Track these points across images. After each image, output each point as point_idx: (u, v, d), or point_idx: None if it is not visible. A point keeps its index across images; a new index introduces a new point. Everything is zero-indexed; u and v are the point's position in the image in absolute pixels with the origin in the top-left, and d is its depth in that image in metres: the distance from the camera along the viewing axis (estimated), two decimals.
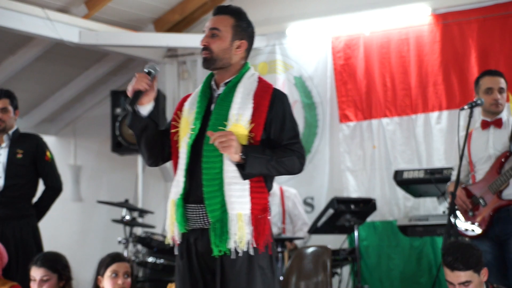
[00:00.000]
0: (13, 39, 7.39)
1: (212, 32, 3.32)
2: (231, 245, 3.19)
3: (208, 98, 3.36)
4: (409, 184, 6.33)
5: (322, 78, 7.41)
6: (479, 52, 6.69)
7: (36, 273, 4.48)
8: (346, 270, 6.73)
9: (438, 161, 6.76)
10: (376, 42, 7.15)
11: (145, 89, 3.31)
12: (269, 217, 3.29)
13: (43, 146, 5.73)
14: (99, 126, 8.63)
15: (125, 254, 6.50)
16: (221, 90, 3.35)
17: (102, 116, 8.55)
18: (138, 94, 3.31)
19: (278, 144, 3.28)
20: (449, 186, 5.25)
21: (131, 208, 6.76)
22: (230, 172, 3.20)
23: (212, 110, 3.31)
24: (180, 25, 7.96)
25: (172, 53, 8.13)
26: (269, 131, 3.28)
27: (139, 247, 6.62)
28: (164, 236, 6.45)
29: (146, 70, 3.35)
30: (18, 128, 5.73)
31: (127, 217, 6.66)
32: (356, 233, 6.16)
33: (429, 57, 6.92)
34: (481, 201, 4.99)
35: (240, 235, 3.19)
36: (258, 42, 7.66)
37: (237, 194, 3.20)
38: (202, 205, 3.26)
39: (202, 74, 7.89)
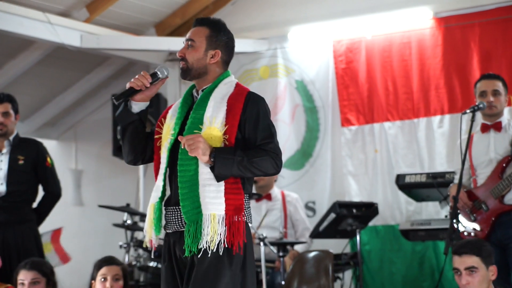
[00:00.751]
0: (14, 43, 7.39)
1: (188, 43, 3.46)
2: (202, 245, 3.23)
3: (189, 105, 3.48)
4: (411, 188, 6.32)
5: (323, 82, 7.40)
6: (481, 55, 6.68)
7: (26, 276, 4.55)
8: (348, 274, 6.70)
9: (440, 165, 6.74)
10: (377, 46, 7.14)
11: (140, 87, 3.41)
12: (244, 218, 3.33)
13: (43, 152, 5.74)
14: (101, 130, 8.63)
15: (126, 258, 6.48)
16: (198, 96, 3.46)
17: (103, 120, 8.55)
18: (130, 90, 3.41)
19: (253, 145, 3.33)
20: (451, 189, 5.23)
21: (132, 213, 6.75)
22: (205, 174, 3.27)
23: (190, 115, 3.41)
24: (181, 29, 7.95)
25: (173, 57, 8.11)
26: (243, 132, 3.34)
27: (140, 251, 6.59)
28: None
29: (154, 70, 3.45)
30: (18, 133, 5.73)
31: (128, 222, 6.64)
32: (358, 238, 6.14)
33: (431, 60, 6.91)
34: (483, 206, 4.98)
35: (211, 235, 3.23)
36: (259, 46, 7.65)
37: (212, 195, 3.26)
38: (178, 208, 3.33)
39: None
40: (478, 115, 5.17)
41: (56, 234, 7.15)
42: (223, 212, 3.26)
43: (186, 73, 3.44)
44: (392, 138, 7.02)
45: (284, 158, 7.45)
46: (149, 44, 7.61)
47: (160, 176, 3.39)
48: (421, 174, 6.28)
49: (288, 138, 7.50)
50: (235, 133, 3.31)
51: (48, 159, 5.74)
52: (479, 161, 5.08)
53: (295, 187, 7.33)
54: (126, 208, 6.75)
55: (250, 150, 3.31)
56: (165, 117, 3.51)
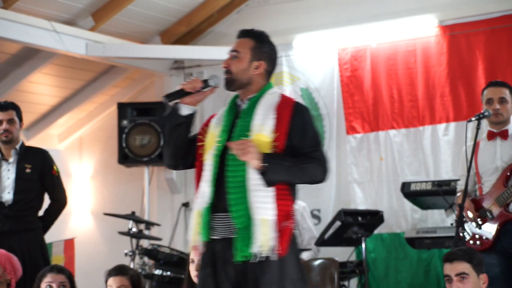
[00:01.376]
0: (20, 52, 7.41)
1: (233, 54, 3.51)
2: (255, 250, 3.28)
3: (234, 113, 3.52)
4: (416, 196, 6.31)
5: (328, 90, 7.40)
6: (486, 63, 6.68)
7: (55, 278, 4.58)
8: (353, 282, 6.70)
9: (446, 173, 6.73)
10: (382, 54, 7.14)
11: (190, 90, 3.45)
12: (293, 225, 3.39)
13: (50, 160, 5.76)
14: (106, 138, 8.64)
15: (132, 266, 6.48)
16: (244, 105, 3.51)
17: (109, 128, 8.56)
18: (179, 92, 3.45)
19: (300, 153, 3.38)
20: (458, 198, 5.23)
21: (137, 220, 6.75)
22: (254, 179, 3.32)
23: (236, 123, 3.46)
24: (186, 37, 7.97)
25: (178, 65, 8.13)
26: (291, 140, 3.38)
27: (146, 259, 6.60)
28: (171, 249, 6.47)
29: (206, 78, 3.52)
30: (23, 142, 5.75)
31: (134, 230, 6.64)
32: (363, 245, 6.13)
33: (436, 68, 6.91)
34: (488, 214, 4.97)
35: (263, 239, 3.27)
36: None
37: (262, 200, 3.31)
38: (227, 214, 3.37)
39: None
40: (484, 122, 5.15)
41: (69, 246, 7.10)
42: (273, 217, 3.31)
43: (230, 84, 3.49)
44: (398, 146, 7.02)
45: None
46: (154, 52, 7.63)
47: (206, 183, 3.41)
48: (426, 182, 6.27)
49: None
50: (284, 140, 3.37)
51: (55, 168, 5.76)
52: (485, 169, 5.07)
53: (300, 194, 7.28)
54: (131, 216, 6.76)
55: (299, 157, 3.37)
56: (207, 125, 3.56)
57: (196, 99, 3.50)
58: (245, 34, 3.56)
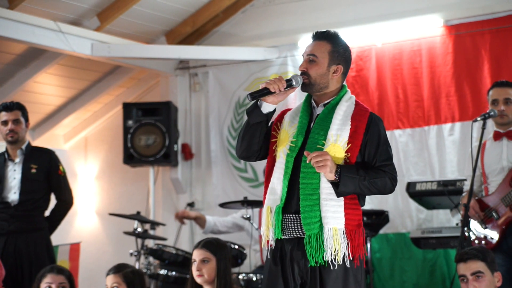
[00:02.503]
0: (26, 52, 7.42)
1: (310, 58, 3.54)
2: (328, 257, 3.37)
3: (309, 116, 3.57)
4: (422, 196, 6.30)
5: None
6: (492, 63, 6.67)
7: (54, 279, 4.61)
8: None
9: (451, 173, 6.72)
10: (388, 54, 7.14)
11: (275, 90, 3.44)
12: (363, 233, 3.49)
13: (56, 161, 5.77)
14: (111, 138, 8.65)
15: (137, 266, 6.48)
16: (320, 110, 3.55)
17: (114, 128, 8.56)
18: (264, 90, 3.45)
19: (371, 165, 3.48)
20: (463, 198, 5.23)
21: (142, 220, 6.75)
22: (327, 188, 3.41)
23: (312, 128, 3.51)
24: (191, 37, 7.97)
25: (183, 65, 8.14)
26: (364, 152, 3.48)
27: (151, 259, 6.60)
28: (176, 248, 6.47)
29: (289, 77, 3.51)
30: (30, 142, 5.76)
31: (139, 229, 6.64)
32: (369, 245, 6.13)
33: (442, 68, 6.90)
34: (494, 214, 4.97)
35: (336, 248, 3.38)
36: (269, 54, 7.67)
37: (333, 209, 3.41)
38: (298, 216, 3.45)
39: (213, 86, 7.91)
40: (489, 122, 5.15)
41: (74, 251, 7.10)
42: (343, 226, 3.41)
43: (308, 87, 3.52)
44: (403, 146, 7.01)
45: None
46: (160, 52, 7.63)
47: (279, 181, 3.49)
48: (431, 182, 6.26)
49: None
50: (357, 152, 3.44)
51: (61, 168, 5.77)
52: (491, 169, 5.06)
53: None
54: (137, 216, 6.75)
55: (370, 169, 3.46)
56: (280, 121, 3.62)
57: (279, 98, 3.50)
58: (321, 36, 3.57)
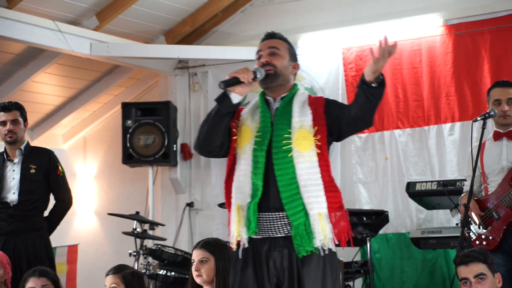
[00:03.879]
0: (24, 51, 7.41)
1: (272, 51, 3.57)
2: (317, 244, 3.35)
3: (269, 111, 3.56)
4: (421, 196, 6.29)
5: (333, 90, 7.38)
6: (492, 62, 6.65)
7: (36, 283, 4.58)
8: (358, 282, 6.68)
9: (451, 173, 6.71)
10: None
11: (244, 80, 3.45)
12: (346, 213, 3.48)
13: (55, 161, 5.76)
14: (110, 138, 8.63)
15: (136, 266, 6.47)
16: (277, 104, 3.57)
17: (113, 128, 8.55)
18: (235, 80, 3.45)
19: (346, 114, 3.46)
20: (462, 198, 5.21)
21: (142, 221, 6.74)
22: (303, 175, 3.39)
23: (274, 121, 3.51)
24: (191, 37, 7.96)
25: (182, 64, 8.13)
26: (332, 129, 3.48)
27: (150, 259, 6.59)
28: (175, 249, 6.46)
29: (254, 69, 3.52)
30: (29, 142, 5.75)
31: (138, 230, 6.63)
32: (368, 246, 6.11)
33: (441, 68, 6.89)
34: (494, 214, 4.95)
35: (324, 233, 3.36)
36: None
37: (314, 194, 3.39)
38: (275, 213, 3.41)
39: (212, 86, 7.89)
40: (489, 122, 5.13)
41: (72, 253, 7.08)
42: (327, 210, 3.40)
43: (273, 78, 3.53)
44: (403, 145, 7.00)
45: None
46: (159, 52, 7.62)
47: (247, 179, 3.45)
48: (431, 181, 6.24)
49: None
50: (325, 132, 3.46)
51: (60, 168, 5.76)
52: (491, 169, 5.05)
53: None
54: (136, 216, 6.74)
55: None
56: (238, 119, 3.60)
57: (245, 89, 3.49)
58: (277, 36, 3.63)
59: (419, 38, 7.02)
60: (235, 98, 3.46)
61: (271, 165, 3.42)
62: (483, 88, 6.54)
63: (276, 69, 3.52)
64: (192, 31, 7.87)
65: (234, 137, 3.55)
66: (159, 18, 7.58)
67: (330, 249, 3.41)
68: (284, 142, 3.43)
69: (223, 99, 3.46)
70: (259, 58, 3.59)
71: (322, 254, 3.37)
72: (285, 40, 3.64)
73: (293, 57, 3.63)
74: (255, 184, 3.42)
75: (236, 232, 3.47)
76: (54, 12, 6.91)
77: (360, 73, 7.21)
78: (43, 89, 8.13)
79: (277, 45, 3.58)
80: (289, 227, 3.40)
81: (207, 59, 7.88)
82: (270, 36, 3.63)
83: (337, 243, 3.42)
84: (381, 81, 3.31)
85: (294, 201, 3.38)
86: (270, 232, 3.42)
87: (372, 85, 3.30)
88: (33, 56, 7.53)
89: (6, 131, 5.58)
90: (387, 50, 3.27)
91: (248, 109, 3.63)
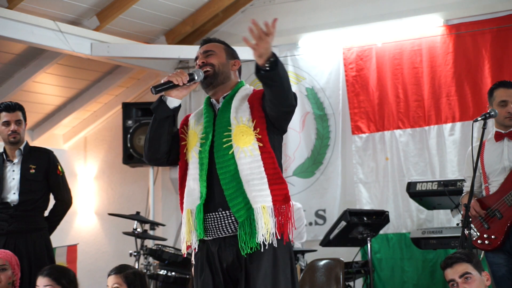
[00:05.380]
0: (25, 52, 7.41)
1: (207, 53, 3.54)
2: (260, 239, 3.29)
3: (212, 113, 3.54)
4: (422, 196, 6.29)
5: (334, 90, 7.39)
6: (492, 62, 6.66)
7: (41, 282, 4.57)
8: (359, 282, 6.68)
9: (452, 173, 6.71)
10: (388, 53, 7.13)
11: (178, 83, 3.41)
12: (292, 206, 3.39)
13: (54, 160, 5.76)
14: (111, 138, 8.63)
15: (136, 266, 6.47)
16: (220, 104, 3.53)
17: (114, 128, 8.55)
18: (168, 84, 3.42)
19: None
20: (462, 198, 5.21)
21: (142, 221, 6.74)
22: (245, 170, 3.34)
23: (215, 121, 3.49)
24: (191, 37, 7.96)
25: (183, 65, 8.12)
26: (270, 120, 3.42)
27: (151, 259, 6.59)
28: (176, 249, 6.46)
29: (190, 71, 3.48)
30: (28, 142, 5.75)
31: (139, 230, 6.63)
32: (369, 246, 6.11)
33: (442, 68, 6.89)
34: (497, 213, 4.95)
35: (266, 227, 3.29)
36: None
37: (257, 188, 3.33)
38: (222, 213, 3.37)
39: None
40: (490, 122, 5.12)
41: (71, 253, 7.08)
42: (271, 204, 3.33)
43: (212, 78, 3.49)
44: (403, 145, 7.00)
45: (294, 166, 7.45)
46: (159, 52, 7.62)
47: (196, 182, 3.43)
48: (432, 182, 6.24)
49: (298, 146, 7.49)
50: (264, 123, 3.40)
51: (59, 168, 5.76)
52: (492, 169, 5.04)
53: (305, 195, 7.31)
54: (136, 216, 6.74)
55: None
56: (186, 125, 3.59)
57: (182, 92, 3.48)
58: (211, 40, 3.62)
59: (419, 38, 7.02)
60: (172, 102, 3.45)
61: (214, 164, 3.40)
62: (484, 88, 6.55)
63: (214, 68, 3.49)
64: (192, 31, 7.87)
65: (183, 143, 3.54)
66: (159, 18, 7.58)
67: (282, 242, 3.34)
68: (224, 140, 3.40)
69: (159, 105, 3.44)
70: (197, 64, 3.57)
71: (271, 248, 3.30)
72: (221, 42, 3.62)
73: (231, 55, 3.58)
74: (202, 185, 3.40)
75: (187, 237, 3.45)
76: (54, 12, 6.91)
77: (361, 73, 7.23)
78: (43, 89, 8.13)
79: (211, 47, 3.55)
80: (236, 225, 3.36)
81: None
82: (205, 42, 3.61)
83: (279, 237, 3.32)
84: (273, 62, 3.20)
85: (237, 197, 3.33)
86: (218, 232, 3.38)
87: (266, 68, 3.20)
88: (34, 56, 7.53)
89: (10, 132, 5.58)
90: (263, 33, 3.16)
91: (195, 114, 3.62)
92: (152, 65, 7.95)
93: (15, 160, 5.64)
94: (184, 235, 3.46)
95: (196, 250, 3.45)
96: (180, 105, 3.49)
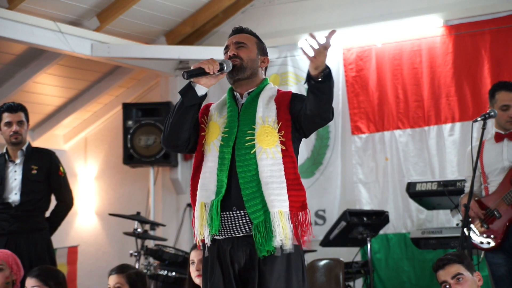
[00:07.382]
0: (25, 52, 7.42)
1: (239, 45, 3.49)
2: (277, 243, 3.26)
3: (236, 107, 3.48)
4: (422, 196, 6.30)
5: (334, 90, 7.38)
6: (492, 63, 6.66)
7: (29, 282, 4.60)
8: (359, 283, 6.69)
9: (451, 173, 6.72)
10: (388, 54, 7.13)
11: (209, 72, 3.35)
12: (308, 214, 3.35)
13: (56, 161, 5.78)
14: (111, 138, 8.64)
15: (137, 266, 6.48)
16: (244, 99, 3.49)
17: (114, 129, 8.56)
18: (200, 70, 3.36)
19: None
20: (462, 199, 5.22)
21: (142, 221, 6.75)
22: (266, 172, 3.30)
23: (239, 117, 3.43)
24: (191, 38, 7.97)
25: (183, 65, 8.13)
26: (298, 125, 3.39)
27: (151, 259, 6.60)
28: (176, 249, 6.47)
29: (220, 61, 3.43)
30: (30, 143, 5.76)
31: (139, 230, 6.64)
32: (369, 246, 6.12)
33: (442, 68, 6.90)
34: (495, 213, 4.96)
35: (284, 232, 3.26)
36: (269, 54, 7.62)
37: (276, 192, 3.29)
38: (237, 212, 3.33)
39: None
40: (489, 122, 5.13)
41: (72, 254, 7.08)
42: (288, 209, 3.29)
43: (239, 70, 3.45)
44: (403, 146, 7.01)
45: None
46: (160, 52, 7.63)
47: (212, 176, 3.37)
48: (432, 182, 6.25)
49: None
50: (290, 127, 3.37)
51: (61, 168, 5.77)
52: (491, 169, 5.05)
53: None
54: (137, 217, 6.75)
55: None
56: (206, 115, 3.52)
57: (211, 81, 3.40)
58: (244, 30, 3.57)
59: (419, 38, 7.02)
60: (200, 90, 3.37)
61: (234, 162, 3.34)
62: (484, 89, 6.55)
63: (242, 62, 3.45)
64: (192, 31, 7.88)
65: (203, 133, 3.47)
66: (159, 19, 7.59)
67: (296, 247, 3.32)
68: (247, 138, 3.35)
69: (188, 91, 3.37)
70: (226, 52, 3.52)
71: (285, 253, 3.28)
72: (253, 34, 3.58)
73: (262, 51, 3.56)
74: (220, 180, 3.34)
75: (200, 231, 3.39)
76: (55, 13, 6.92)
77: (360, 73, 7.23)
78: (44, 90, 8.14)
79: (244, 39, 3.51)
80: (250, 226, 3.30)
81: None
82: (238, 31, 3.56)
83: (297, 243, 3.31)
84: (327, 74, 3.23)
85: (255, 198, 3.29)
86: (232, 232, 3.33)
87: (318, 79, 3.21)
88: (34, 57, 7.54)
89: (12, 132, 5.60)
90: (322, 46, 3.21)
91: (217, 105, 3.54)
92: (152, 66, 7.95)
93: (17, 161, 5.65)
94: (197, 228, 3.39)
95: (209, 245, 3.39)
96: (206, 94, 3.41)
